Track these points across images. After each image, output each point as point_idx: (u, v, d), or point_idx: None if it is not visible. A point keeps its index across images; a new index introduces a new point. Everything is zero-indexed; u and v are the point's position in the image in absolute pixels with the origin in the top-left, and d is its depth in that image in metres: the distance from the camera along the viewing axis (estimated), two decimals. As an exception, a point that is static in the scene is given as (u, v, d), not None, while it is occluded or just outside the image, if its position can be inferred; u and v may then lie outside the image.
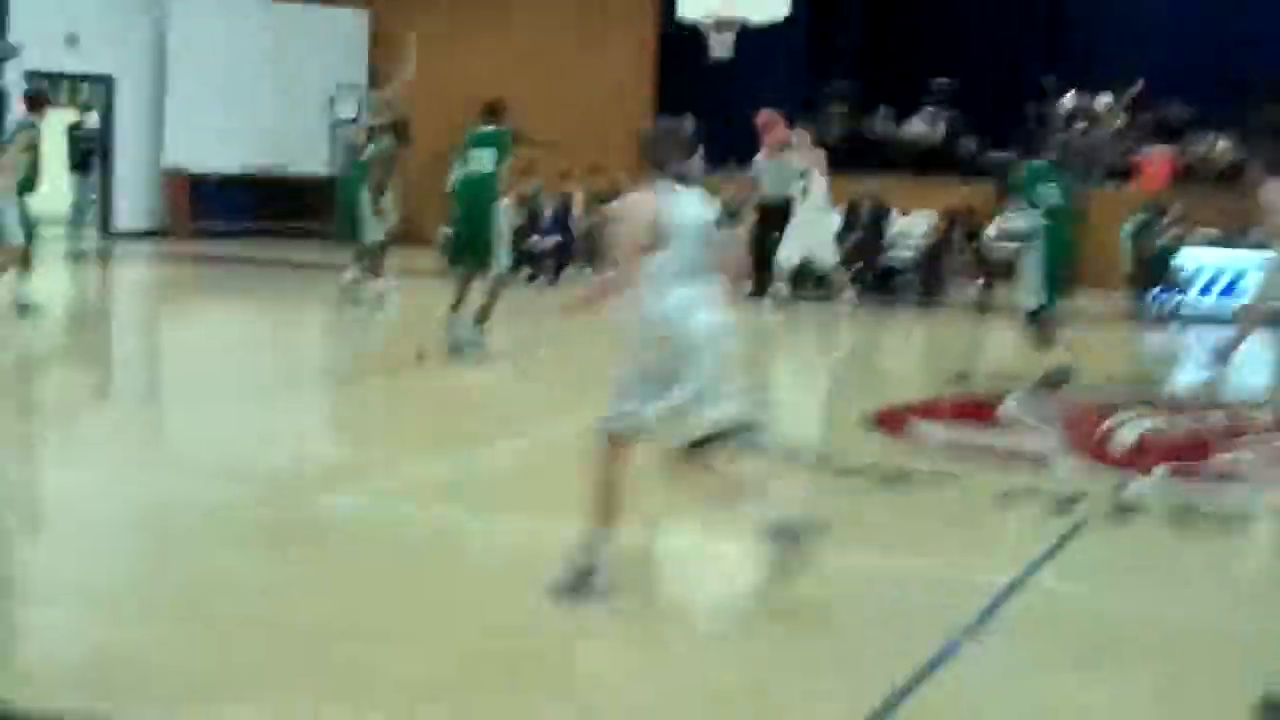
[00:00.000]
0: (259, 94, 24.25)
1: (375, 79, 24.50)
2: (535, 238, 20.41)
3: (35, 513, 8.14)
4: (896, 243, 20.19)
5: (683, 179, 6.29)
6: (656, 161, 6.32)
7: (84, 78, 23.68)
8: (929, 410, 11.82)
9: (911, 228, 20.51)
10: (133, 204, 24.21)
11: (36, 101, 14.97)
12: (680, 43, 21.56)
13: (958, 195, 19.69)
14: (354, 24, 25.20)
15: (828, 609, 6.42)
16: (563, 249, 20.46)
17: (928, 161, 23.08)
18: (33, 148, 14.37)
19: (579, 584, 6.22)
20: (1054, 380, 12.05)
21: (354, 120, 23.94)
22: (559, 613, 6.12)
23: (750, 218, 19.28)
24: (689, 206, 6.23)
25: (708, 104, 21.93)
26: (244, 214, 25.00)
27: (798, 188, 17.57)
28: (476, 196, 13.20)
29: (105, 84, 23.95)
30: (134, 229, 24.11)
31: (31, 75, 22.20)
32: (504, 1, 24.56)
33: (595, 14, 24.10)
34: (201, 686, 5.30)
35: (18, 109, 21.58)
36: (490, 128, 13.34)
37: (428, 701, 5.19)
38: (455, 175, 13.98)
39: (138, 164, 24.27)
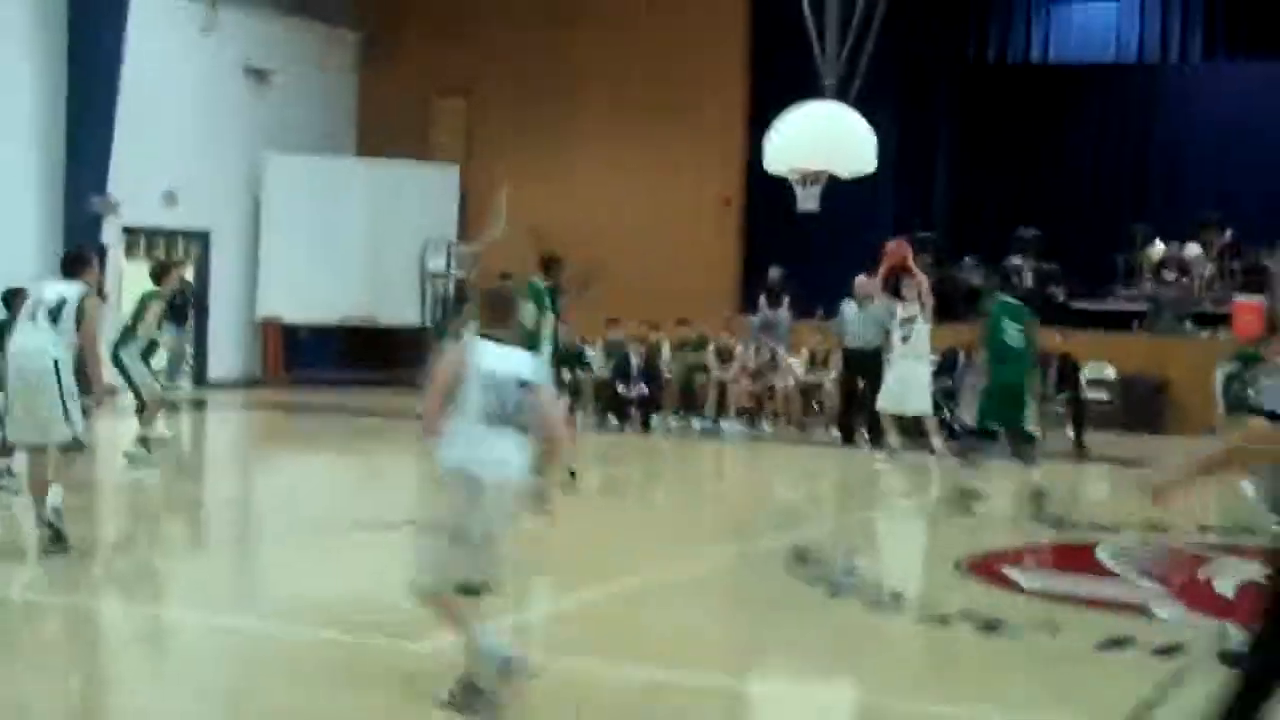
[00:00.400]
0: (352, 246, 24.69)
1: (464, 231, 24.95)
2: (622, 386, 20.50)
3: (126, 647, 8.20)
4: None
5: (499, 339, 6.62)
6: (483, 320, 6.80)
7: (181, 233, 24.20)
8: (1024, 556, 11.67)
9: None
10: (228, 354, 24.58)
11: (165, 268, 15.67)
12: (766, 193, 21.75)
13: (1050, 342, 19.56)
14: (444, 179, 25.64)
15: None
16: (650, 397, 20.52)
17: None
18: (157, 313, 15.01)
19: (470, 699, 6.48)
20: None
21: (445, 274, 24.32)
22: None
23: (836, 366, 19.37)
24: (499, 362, 6.50)
25: (794, 254, 22.13)
26: (337, 363, 25.33)
27: (898, 333, 17.25)
28: None
29: (202, 239, 24.46)
30: (229, 378, 24.45)
31: (130, 230, 22.77)
32: (593, 155, 24.88)
33: (686, 161, 24.36)
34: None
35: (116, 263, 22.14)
36: (539, 282, 13.58)
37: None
38: None
39: (233, 315, 24.70)
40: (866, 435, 18.36)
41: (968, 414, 13.73)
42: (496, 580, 6.59)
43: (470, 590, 6.50)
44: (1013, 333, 13.63)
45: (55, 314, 10.28)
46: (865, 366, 18.37)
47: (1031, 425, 13.81)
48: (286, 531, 12.39)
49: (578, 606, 9.38)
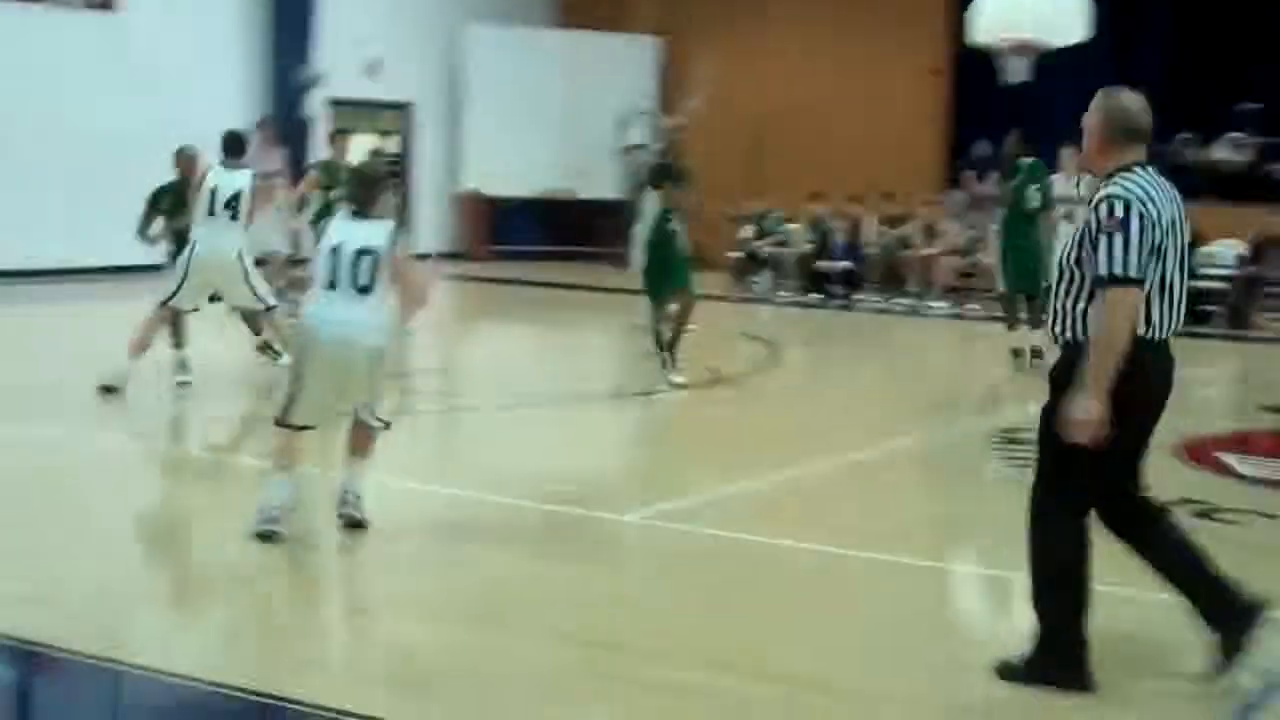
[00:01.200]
0: (550, 119, 24.62)
1: (665, 105, 24.72)
2: (825, 261, 20.24)
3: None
4: (1203, 270, 19.43)
5: (363, 215, 7.47)
6: (350, 198, 7.82)
7: (385, 105, 24.37)
8: (1239, 443, 11.29)
9: (1218, 255, 19.73)
10: (431, 226, 24.79)
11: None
12: (976, 64, 21.18)
13: (1266, 223, 18.85)
14: (644, 50, 25.42)
15: (1130, 639, 6.13)
16: (853, 273, 20.23)
17: (1234, 188, 22.20)
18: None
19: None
20: None
21: (642, 146, 24.16)
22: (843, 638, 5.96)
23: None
24: (347, 234, 7.40)
25: (1003, 127, 21.52)
26: (536, 237, 25.41)
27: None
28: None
29: (405, 111, 24.61)
30: (432, 250, 24.69)
31: (334, 103, 22.98)
32: (795, 28, 24.42)
33: (889, 35, 23.81)
34: (496, 693, 5.31)
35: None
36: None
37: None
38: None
39: (436, 188, 24.87)
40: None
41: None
42: (366, 417, 7.54)
43: (307, 428, 7.45)
44: (1033, 192, 14.36)
45: (233, 207, 11.32)
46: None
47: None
48: (489, 403, 12.49)
49: (778, 483, 9.28)
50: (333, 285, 7.34)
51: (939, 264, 19.78)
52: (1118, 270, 5.18)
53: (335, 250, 7.38)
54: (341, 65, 22.36)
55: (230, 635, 6.17)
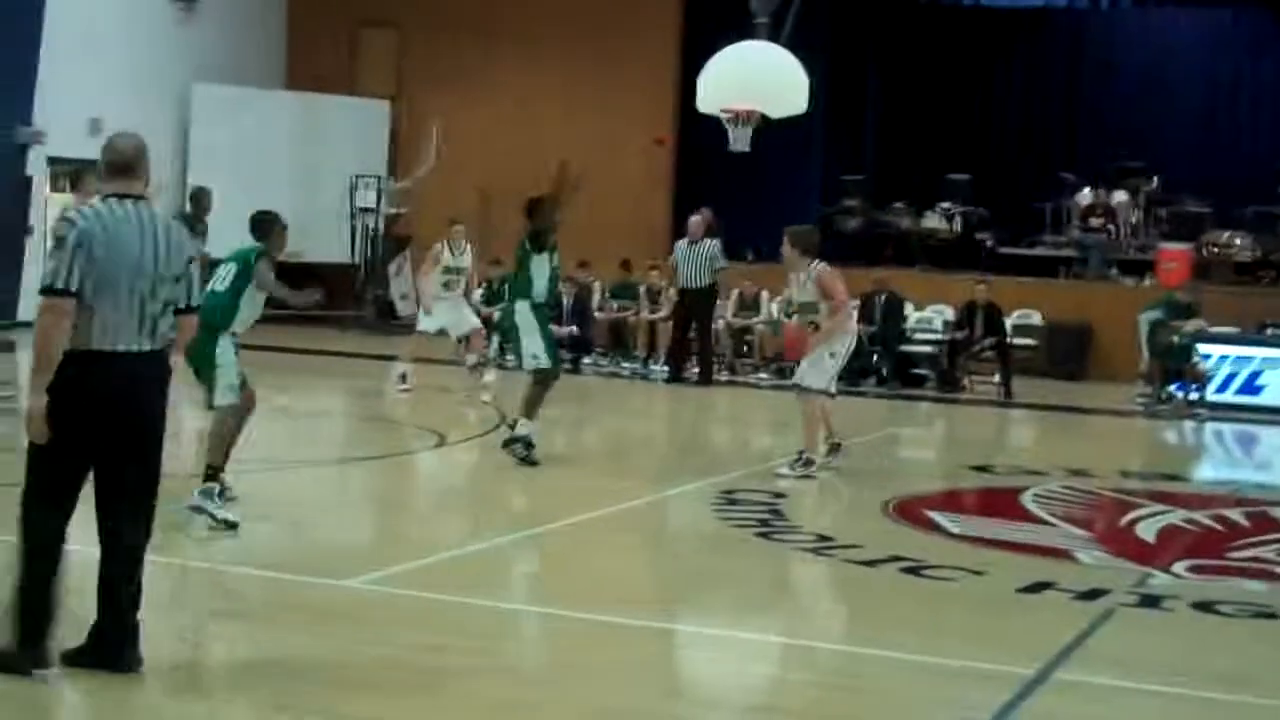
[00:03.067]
0: (279, 181, 24.39)
1: (395, 167, 24.75)
2: (554, 326, 20.43)
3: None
4: (915, 335, 20.22)
5: None
6: None
7: (107, 164, 23.88)
8: (948, 501, 11.78)
9: (930, 320, 20.55)
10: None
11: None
12: (699, 135, 21.72)
13: (975, 290, 19.72)
14: (375, 113, 25.42)
15: (850, 696, 6.39)
16: (581, 338, 20.47)
17: (944, 255, 23.18)
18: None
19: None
20: None
21: (375, 210, 24.13)
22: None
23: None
24: None
25: (726, 195, 22.13)
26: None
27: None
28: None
29: (128, 170, 24.18)
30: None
31: (55, 161, 22.43)
32: (524, 92, 24.70)
33: (615, 104, 24.26)
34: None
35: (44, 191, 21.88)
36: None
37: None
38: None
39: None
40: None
41: None
42: None
43: None
44: None
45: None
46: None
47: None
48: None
49: (504, 545, 9.38)
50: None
51: (663, 328, 20.15)
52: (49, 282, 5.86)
53: None
54: (65, 123, 21.85)
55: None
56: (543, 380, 12.12)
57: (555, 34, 24.50)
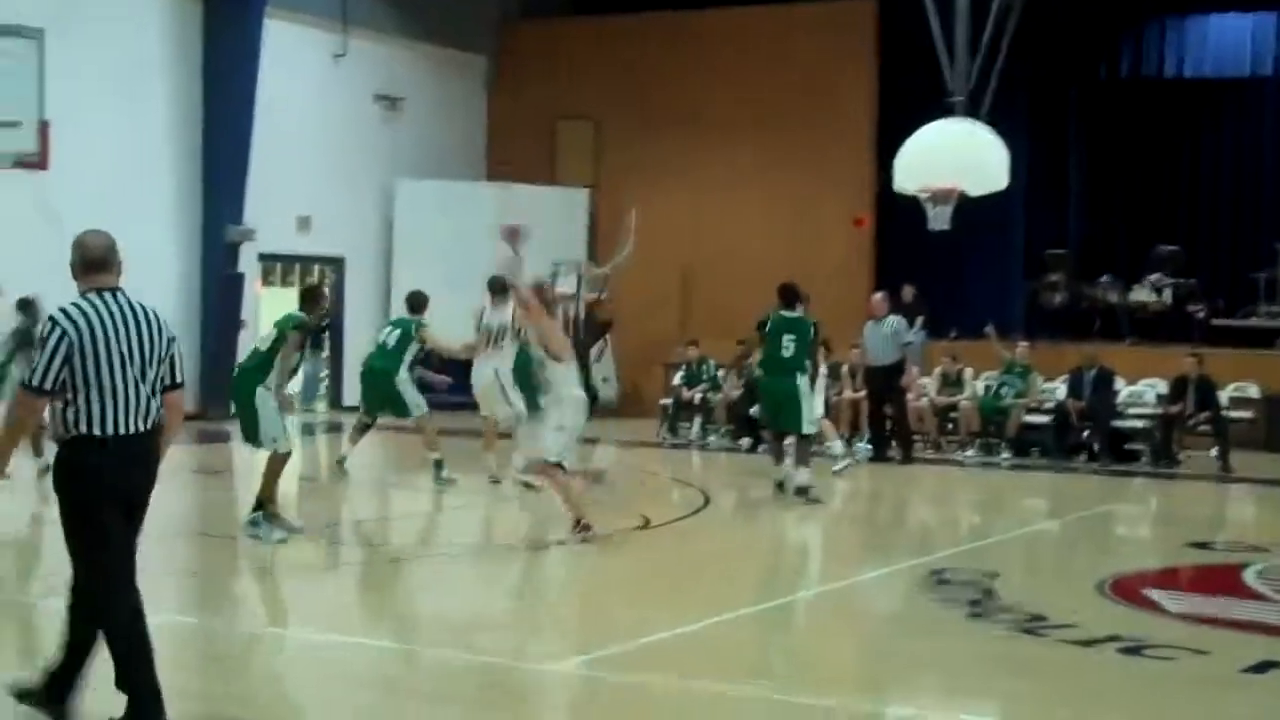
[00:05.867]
0: (481, 271, 24.69)
1: (594, 253, 24.98)
2: (755, 408, 20.36)
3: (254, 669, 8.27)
4: (1127, 410, 19.73)
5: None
6: None
7: (316, 259, 24.50)
8: (1167, 579, 11.42)
9: (1141, 394, 20.04)
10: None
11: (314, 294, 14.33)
12: (898, 214, 21.60)
13: (1187, 363, 19.20)
14: (574, 201, 25.73)
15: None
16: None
17: (1154, 328, 22.65)
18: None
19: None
20: None
21: (575, 295, 24.35)
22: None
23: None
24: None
25: (927, 273, 21.95)
26: (467, 385, 25.33)
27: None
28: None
29: (336, 264, 24.77)
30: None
31: (265, 257, 23.10)
32: (722, 179, 24.80)
33: (813, 187, 24.25)
34: None
35: (255, 289, 22.51)
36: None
37: None
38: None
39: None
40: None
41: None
42: None
43: None
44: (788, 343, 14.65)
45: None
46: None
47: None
48: (423, 552, 12.49)
49: (713, 626, 9.31)
50: None
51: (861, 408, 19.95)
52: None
53: None
54: (272, 221, 22.52)
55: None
56: None
57: (750, 119, 24.57)
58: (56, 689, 6.50)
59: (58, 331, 6.26)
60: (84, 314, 6.33)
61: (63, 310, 6.37)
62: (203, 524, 13.09)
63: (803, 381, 14.63)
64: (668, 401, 22.14)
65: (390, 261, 25.03)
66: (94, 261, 6.49)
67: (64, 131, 17.63)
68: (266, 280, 23.52)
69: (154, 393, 6.46)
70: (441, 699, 7.47)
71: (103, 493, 6.31)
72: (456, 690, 7.65)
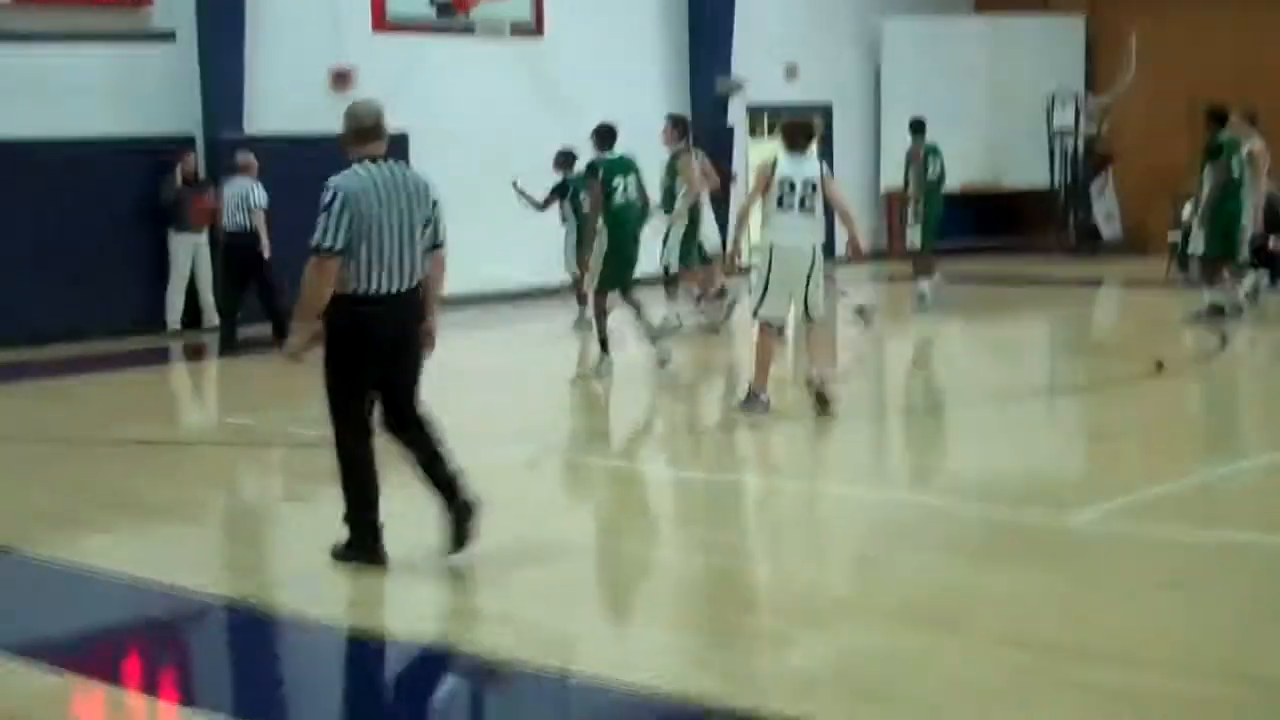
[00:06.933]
0: (973, 108, 24.06)
1: (1093, 83, 23.89)
2: (1274, 239, 19.03)
3: (781, 522, 8.32)
4: None
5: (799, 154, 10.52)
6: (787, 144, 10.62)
7: (803, 107, 24.35)
8: None
9: None
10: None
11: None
12: None
13: None
14: (1070, 30, 24.60)
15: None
16: None
17: None
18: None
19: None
20: None
21: (1074, 129, 23.40)
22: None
23: None
24: (796, 168, 10.50)
25: None
26: (961, 230, 24.84)
27: None
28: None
29: (824, 112, 24.54)
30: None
31: (753, 109, 23.05)
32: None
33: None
34: (948, 699, 5.16)
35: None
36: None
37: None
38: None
39: (857, 188, 24.62)
40: None
41: None
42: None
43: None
44: None
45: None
46: None
47: None
48: (928, 403, 12.34)
49: (1215, 478, 8.81)
50: (784, 208, 10.24)
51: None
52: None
53: (784, 182, 10.25)
54: (759, 71, 22.45)
55: (678, 647, 6.18)
56: None
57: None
58: (373, 534, 6.96)
59: (340, 196, 6.64)
60: (360, 179, 6.71)
61: (340, 176, 6.73)
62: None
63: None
64: (1176, 238, 21.01)
65: (879, 106, 24.63)
66: (366, 130, 6.83)
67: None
68: (753, 132, 23.51)
69: (420, 253, 6.83)
70: (949, 546, 7.31)
71: (369, 347, 6.76)
72: (963, 538, 7.48)
